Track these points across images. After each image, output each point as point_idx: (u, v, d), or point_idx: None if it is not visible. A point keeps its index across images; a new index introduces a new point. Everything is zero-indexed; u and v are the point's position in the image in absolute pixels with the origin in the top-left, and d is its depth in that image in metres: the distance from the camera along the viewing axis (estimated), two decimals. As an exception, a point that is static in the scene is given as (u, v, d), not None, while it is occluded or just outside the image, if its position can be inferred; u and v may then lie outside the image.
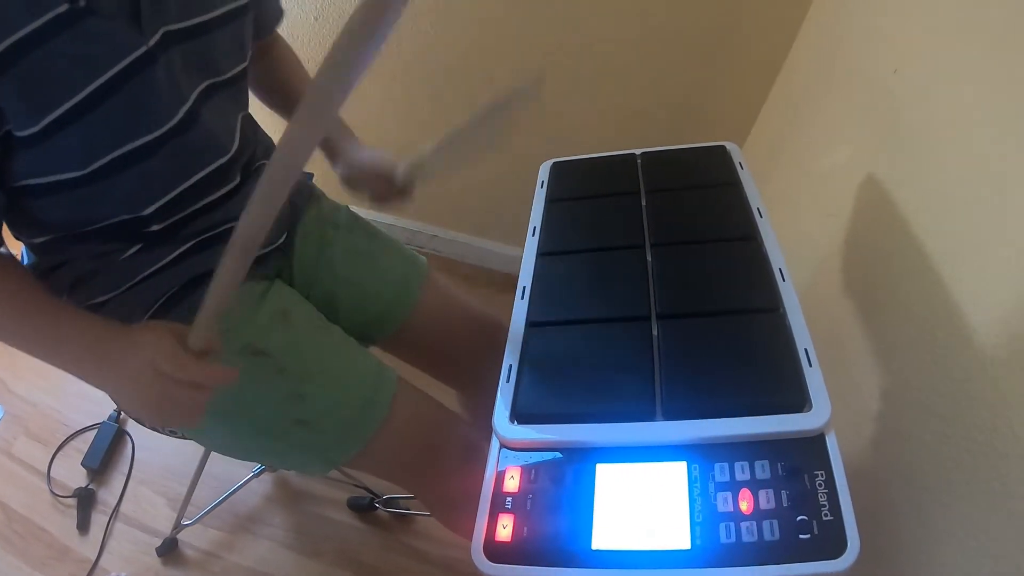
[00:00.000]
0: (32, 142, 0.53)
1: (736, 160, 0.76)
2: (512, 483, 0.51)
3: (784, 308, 0.57)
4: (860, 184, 0.75)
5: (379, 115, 1.46)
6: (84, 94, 0.53)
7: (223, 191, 0.71)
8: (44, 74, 0.51)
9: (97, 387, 0.61)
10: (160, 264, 0.69)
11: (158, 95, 0.59)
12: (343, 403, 0.72)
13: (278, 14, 0.81)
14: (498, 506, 0.50)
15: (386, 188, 0.82)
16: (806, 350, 0.53)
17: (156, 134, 0.60)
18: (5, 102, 0.50)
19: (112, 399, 0.67)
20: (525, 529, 0.48)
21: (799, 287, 0.60)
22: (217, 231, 0.72)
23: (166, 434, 0.89)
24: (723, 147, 0.78)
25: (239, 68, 0.70)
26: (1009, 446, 0.46)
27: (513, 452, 0.53)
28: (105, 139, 0.57)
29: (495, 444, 0.54)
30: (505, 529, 0.48)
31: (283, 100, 0.87)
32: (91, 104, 0.54)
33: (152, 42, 0.57)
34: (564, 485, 0.50)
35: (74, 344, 0.58)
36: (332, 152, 0.86)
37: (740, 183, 0.72)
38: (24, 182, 0.58)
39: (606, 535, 0.46)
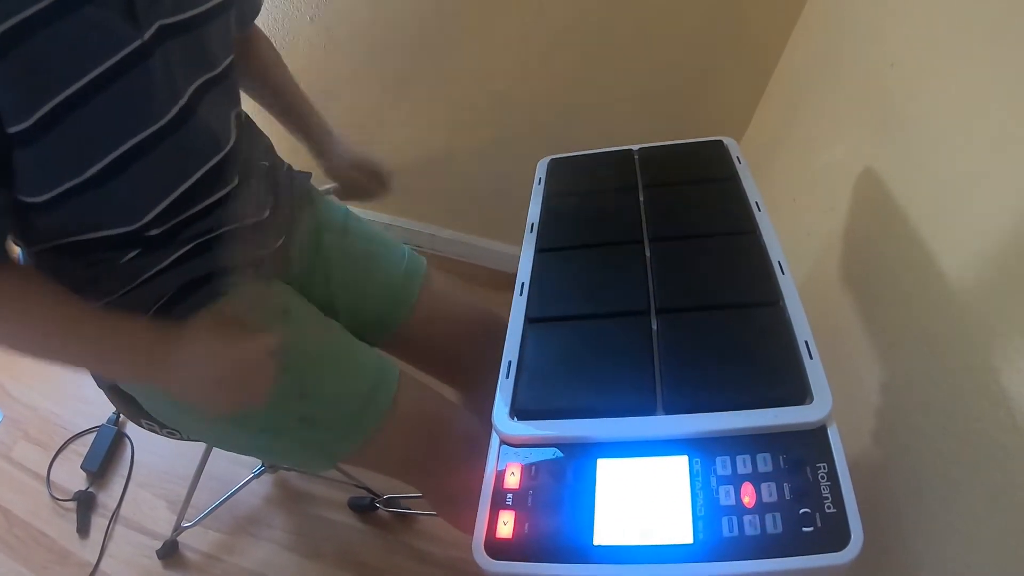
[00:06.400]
0: (25, 139, 0.52)
1: (734, 155, 0.75)
2: (513, 479, 0.50)
3: (784, 301, 0.57)
4: (858, 177, 0.74)
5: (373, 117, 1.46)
6: (77, 87, 0.52)
7: (222, 193, 0.70)
8: (41, 62, 0.50)
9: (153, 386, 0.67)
10: (159, 267, 0.68)
11: (152, 91, 0.58)
12: (346, 397, 0.72)
13: (258, 6, 0.81)
14: (499, 503, 0.49)
15: (369, 181, 0.91)
16: (806, 342, 0.53)
17: (150, 131, 0.59)
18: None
19: (183, 399, 0.69)
20: (526, 525, 0.48)
21: (798, 280, 0.59)
22: (216, 233, 0.71)
23: (163, 435, 0.88)
24: (720, 142, 0.78)
25: (228, 61, 0.69)
26: (1010, 438, 0.46)
27: (513, 449, 0.53)
28: (99, 138, 0.56)
29: (495, 441, 0.54)
30: (506, 526, 0.48)
31: (263, 89, 0.87)
32: (83, 98, 0.53)
33: (147, 36, 0.56)
34: (565, 481, 0.49)
35: (132, 354, 0.62)
36: (319, 149, 0.90)
37: (738, 177, 0.72)
38: (26, 199, 0.57)
39: (608, 530, 0.46)
